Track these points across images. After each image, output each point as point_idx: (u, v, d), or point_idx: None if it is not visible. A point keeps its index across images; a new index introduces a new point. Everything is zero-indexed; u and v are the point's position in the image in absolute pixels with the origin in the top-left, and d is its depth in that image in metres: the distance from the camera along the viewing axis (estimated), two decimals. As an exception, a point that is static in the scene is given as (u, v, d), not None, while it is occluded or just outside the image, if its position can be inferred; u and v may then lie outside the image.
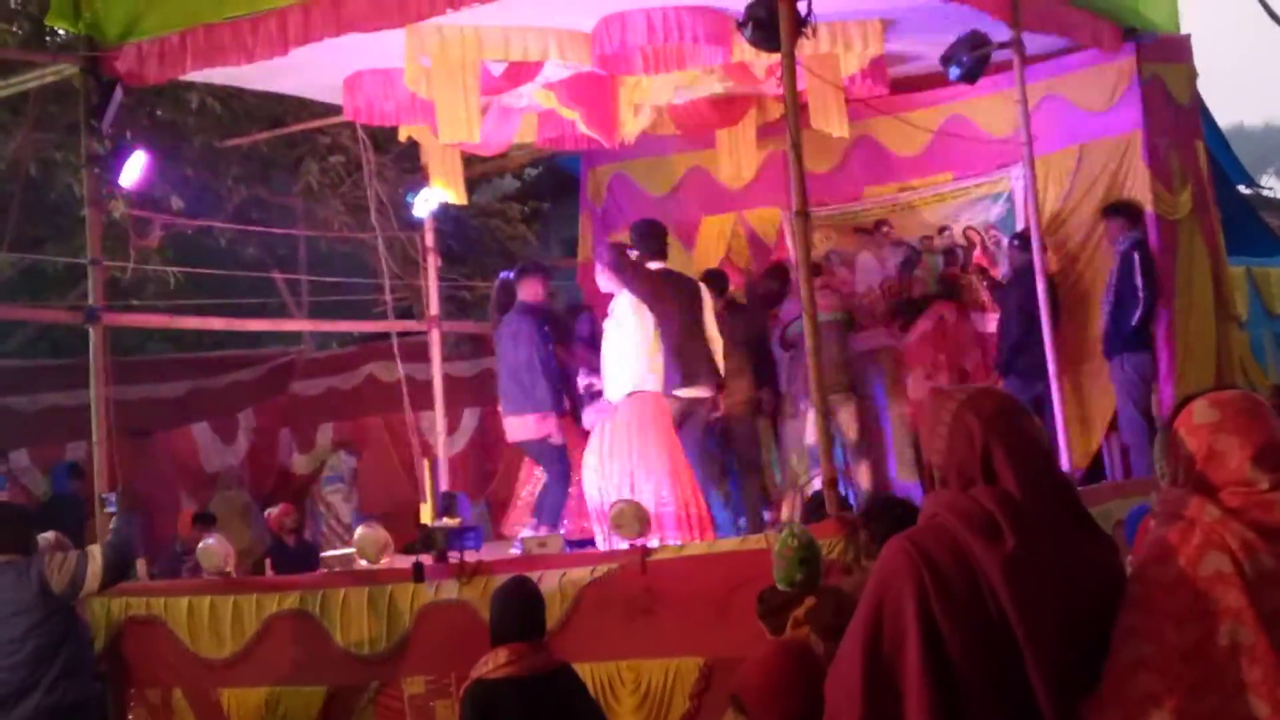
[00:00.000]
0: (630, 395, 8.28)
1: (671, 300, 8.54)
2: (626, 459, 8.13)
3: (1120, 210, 9.36)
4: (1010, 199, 10.25)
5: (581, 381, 9.29)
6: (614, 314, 8.50)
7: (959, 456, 2.88)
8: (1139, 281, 9.16)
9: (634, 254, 8.63)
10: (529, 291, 9.29)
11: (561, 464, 9.08)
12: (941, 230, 10.67)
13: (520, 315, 9.17)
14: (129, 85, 8.36)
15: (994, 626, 2.73)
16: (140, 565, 8.05)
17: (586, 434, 9.14)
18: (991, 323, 10.16)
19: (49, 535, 7.19)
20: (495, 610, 5.47)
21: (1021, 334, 9.24)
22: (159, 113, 12.81)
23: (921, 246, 10.68)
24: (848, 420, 9.99)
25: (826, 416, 6.85)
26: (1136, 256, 9.20)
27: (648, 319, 8.37)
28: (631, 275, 8.41)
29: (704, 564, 6.61)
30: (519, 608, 5.46)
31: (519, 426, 9.09)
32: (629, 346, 8.35)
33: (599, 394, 8.77)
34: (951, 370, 10.05)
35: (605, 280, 8.57)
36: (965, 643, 2.72)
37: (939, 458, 2.94)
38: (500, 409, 9.30)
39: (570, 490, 9.20)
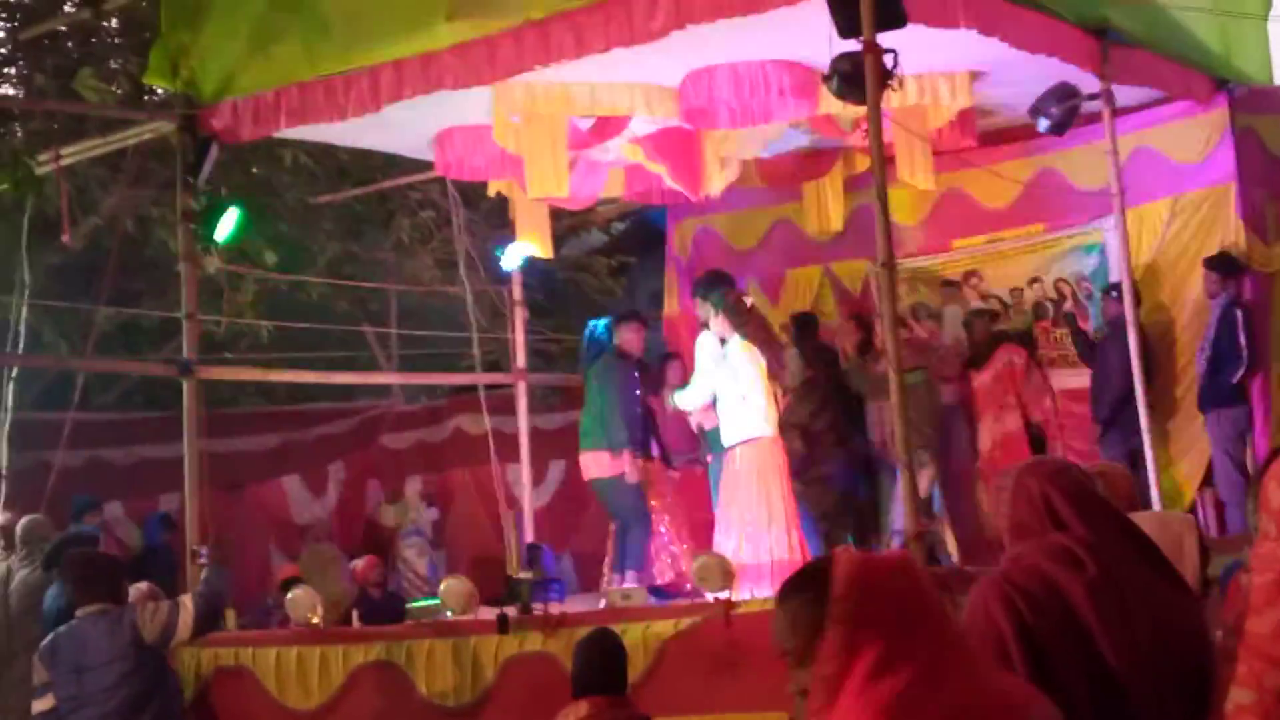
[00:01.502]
0: (746, 442, 8.31)
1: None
2: (746, 507, 8.16)
3: (1218, 263, 9.23)
4: (1103, 251, 10.14)
5: (692, 420, 9.24)
6: (726, 359, 8.52)
7: (1022, 516, 2.95)
8: (1241, 339, 9.03)
9: (749, 300, 8.74)
10: (626, 338, 9.34)
11: (635, 504, 9.07)
12: (1032, 282, 10.57)
13: (610, 359, 9.24)
14: (224, 142, 8.52)
15: (1088, 649, 2.78)
16: (229, 616, 8.14)
17: (673, 481, 9.19)
18: (1071, 378, 10.04)
19: (141, 585, 7.29)
20: (577, 662, 5.46)
21: (1123, 387, 9.12)
22: (254, 169, 13.04)
23: (1011, 299, 10.59)
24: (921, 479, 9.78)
25: (911, 472, 6.78)
26: (1239, 314, 9.07)
27: (759, 364, 8.40)
28: (746, 320, 8.47)
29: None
30: (600, 660, 5.43)
31: (594, 463, 9.11)
32: (742, 392, 8.38)
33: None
34: (1021, 414, 9.93)
35: (718, 324, 8.61)
36: (1064, 665, 2.74)
37: (1005, 522, 2.99)
38: (579, 446, 9.34)
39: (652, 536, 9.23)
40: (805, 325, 10.13)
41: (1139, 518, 4.41)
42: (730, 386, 8.49)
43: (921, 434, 9.02)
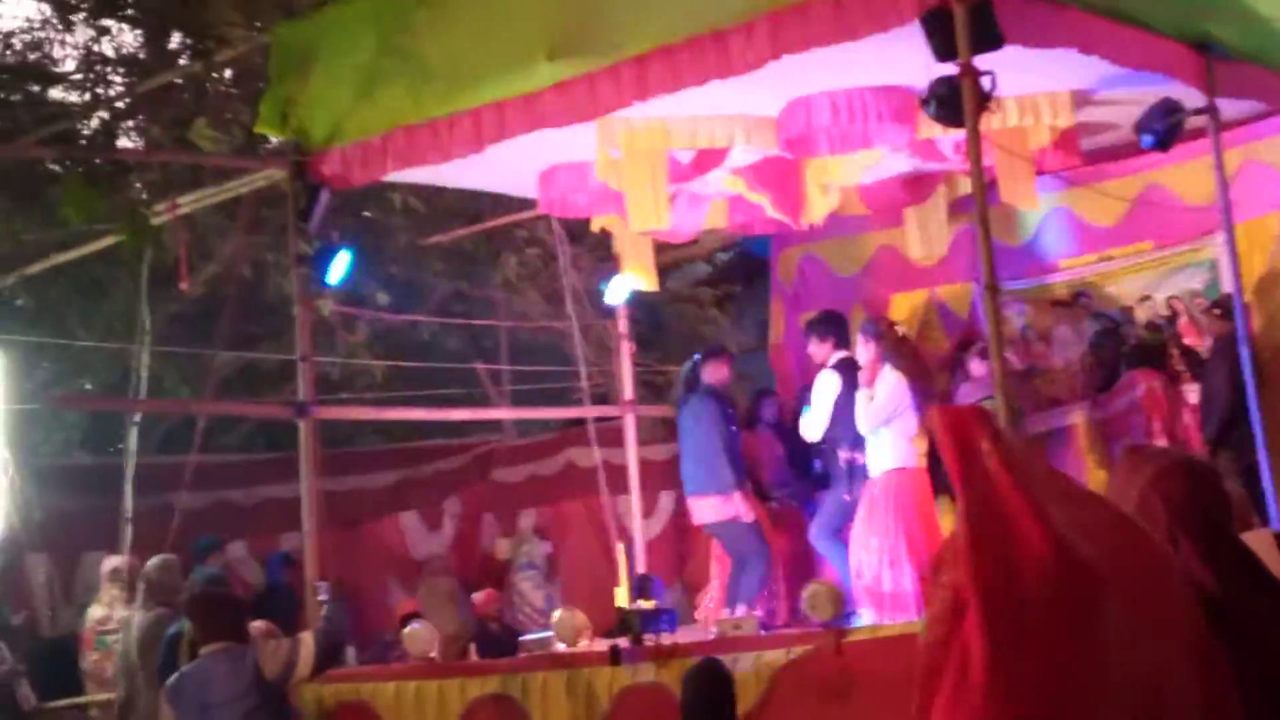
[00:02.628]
0: (890, 471, 8.33)
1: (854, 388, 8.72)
2: (885, 535, 8.19)
3: None
4: (1214, 267, 10.00)
5: (843, 456, 9.12)
6: (875, 390, 8.54)
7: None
8: None
9: (900, 329, 8.73)
10: (713, 374, 9.37)
11: (756, 540, 9.06)
12: (1143, 300, 10.45)
13: (703, 397, 9.25)
14: (335, 188, 8.71)
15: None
16: (349, 652, 8.27)
17: (770, 515, 9.18)
18: (1192, 394, 9.89)
19: (260, 624, 7.45)
20: (686, 692, 5.50)
21: (1232, 405, 8.97)
22: (364, 212, 13.29)
23: (1123, 318, 10.47)
24: None
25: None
26: None
27: (906, 394, 8.40)
28: (894, 349, 8.48)
29: (900, 645, 6.52)
30: (709, 690, 5.47)
31: (705, 508, 9.12)
32: (892, 423, 8.41)
33: (861, 468, 8.79)
34: (1168, 439, 9.79)
35: (865, 353, 8.65)
36: None
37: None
38: (685, 492, 9.36)
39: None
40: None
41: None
42: (881, 419, 8.48)
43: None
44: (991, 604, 2.41)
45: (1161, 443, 9.70)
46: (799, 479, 10.17)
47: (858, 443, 8.69)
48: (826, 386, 8.93)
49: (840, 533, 8.80)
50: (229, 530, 12.44)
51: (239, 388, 14.36)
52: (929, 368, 8.82)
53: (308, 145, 8.65)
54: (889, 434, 8.40)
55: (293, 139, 8.71)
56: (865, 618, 8.00)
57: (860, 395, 8.55)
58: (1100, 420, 10.17)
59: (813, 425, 8.96)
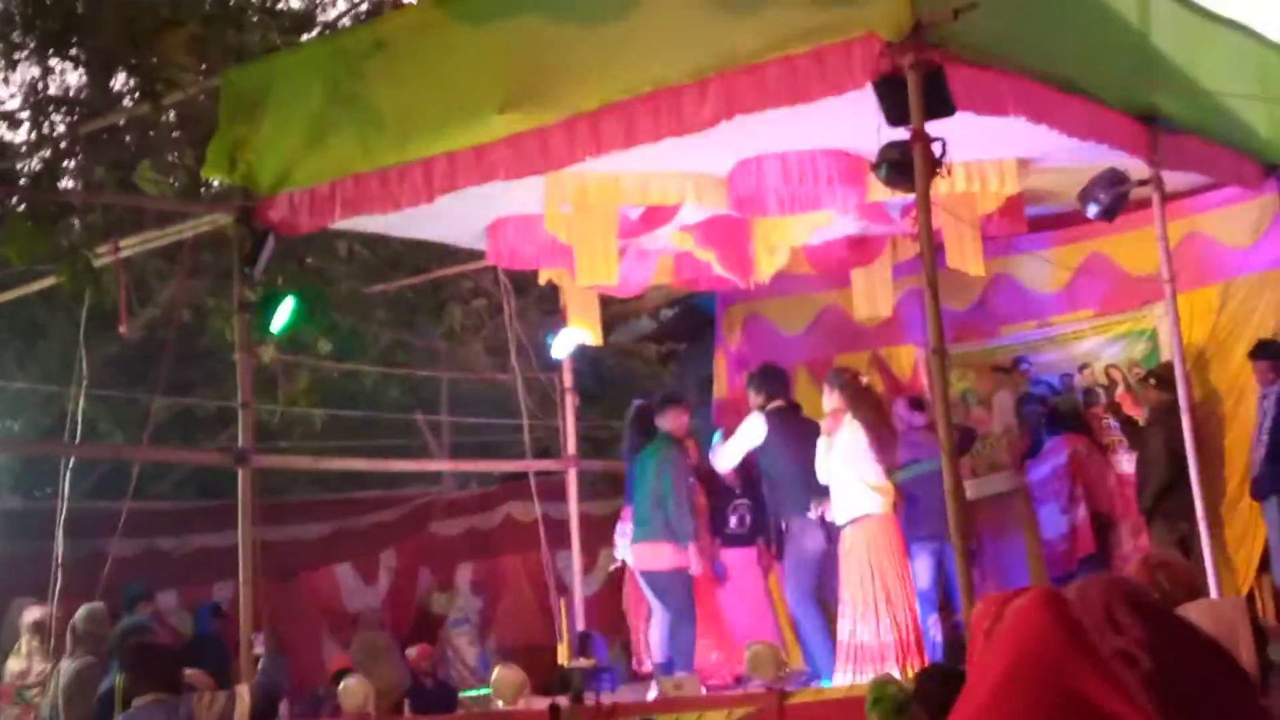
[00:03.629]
0: (856, 521, 8.34)
1: (793, 438, 8.87)
2: (858, 588, 8.18)
3: (1265, 352, 9.16)
4: (1154, 336, 10.11)
5: (814, 513, 9.05)
6: (836, 438, 8.60)
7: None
8: None
9: (866, 380, 8.81)
10: (671, 422, 9.37)
11: (687, 600, 9.04)
12: (1082, 368, 10.54)
13: (664, 444, 9.26)
14: (281, 234, 8.64)
15: None
16: (282, 706, 8.13)
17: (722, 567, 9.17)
18: (1124, 463, 9.98)
19: (192, 673, 7.31)
20: (631, 753, 5.44)
21: (1169, 474, 9.05)
22: (309, 260, 13.21)
23: (1062, 385, 10.54)
24: (922, 569, 9.39)
25: (967, 559, 6.73)
26: None
27: (868, 443, 8.44)
28: (857, 398, 8.51)
29: (843, 707, 6.51)
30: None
31: (657, 555, 9.07)
32: (853, 470, 8.41)
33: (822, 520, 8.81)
34: (1089, 506, 9.85)
35: (832, 400, 8.69)
36: None
37: None
38: (626, 536, 9.29)
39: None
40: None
41: (1189, 608, 4.36)
42: (843, 466, 8.50)
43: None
44: None
45: (1083, 507, 9.78)
46: (713, 534, 10.16)
47: (823, 492, 8.74)
48: (750, 426, 9.10)
49: (815, 590, 8.77)
50: (161, 579, 12.27)
51: (174, 433, 14.19)
52: (890, 421, 8.88)
53: (255, 190, 8.57)
54: (852, 482, 8.42)
55: (240, 184, 8.63)
56: (840, 677, 7.96)
57: (821, 444, 8.59)
58: (1029, 485, 10.24)
59: (724, 457, 9.00)
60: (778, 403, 9.22)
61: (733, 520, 9.90)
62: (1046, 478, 10.07)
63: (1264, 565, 9.21)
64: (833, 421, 8.62)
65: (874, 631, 8.05)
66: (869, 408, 8.57)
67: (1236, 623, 4.65)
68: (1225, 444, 9.48)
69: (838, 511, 8.50)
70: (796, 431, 9.10)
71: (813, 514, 8.84)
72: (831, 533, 8.72)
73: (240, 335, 8.89)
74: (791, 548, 8.92)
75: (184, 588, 12.83)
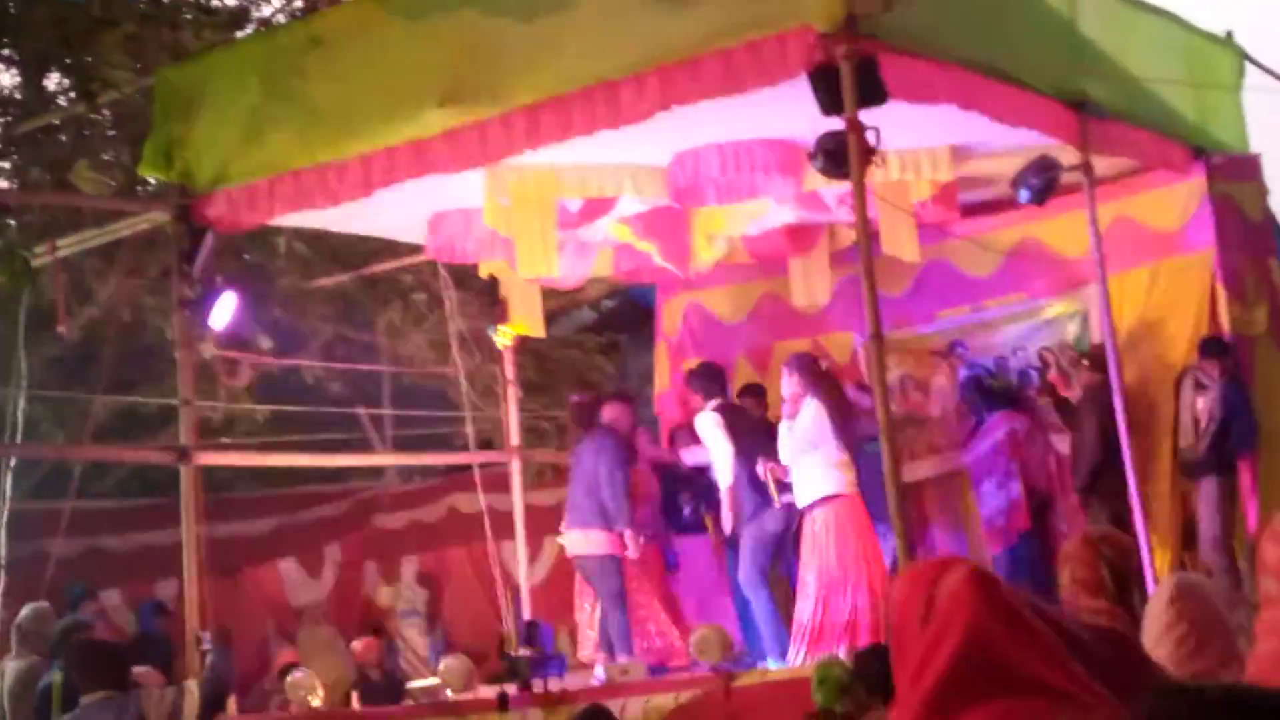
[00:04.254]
0: (823, 501, 8.42)
1: (739, 433, 8.95)
2: (824, 569, 8.28)
3: (1211, 349, 9.31)
4: (1085, 319, 10.26)
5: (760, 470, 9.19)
6: (796, 421, 8.69)
7: None
8: (1237, 409, 9.11)
9: (825, 364, 8.86)
10: (614, 415, 9.45)
11: (619, 586, 9.13)
12: (1016, 351, 10.67)
13: (604, 434, 9.33)
14: (220, 231, 8.62)
15: None
16: (230, 702, 8.14)
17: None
18: (1062, 444, 10.13)
19: (140, 670, 7.32)
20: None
21: (1103, 454, 9.20)
22: (248, 256, 13.17)
23: (997, 368, 10.69)
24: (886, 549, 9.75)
25: (909, 543, 6.85)
26: (1238, 388, 9.17)
27: (828, 423, 8.53)
28: (816, 381, 8.60)
29: (788, 689, 6.61)
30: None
31: (588, 541, 9.15)
32: (819, 451, 8.51)
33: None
34: (1025, 484, 9.99)
35: (792, 385, 8.80)
36: None
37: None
38: (565, 524, 9.38)
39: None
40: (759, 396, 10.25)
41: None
42: (805, 448, 8.60)
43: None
44: None
45: (1018, 484, 9.90)
46: (666, 522, 10.27)
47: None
48: (710, 426, 9.09)
49: (767, 571, 8.86)
50: (104, 577, 12.20)
51: (116, 432, 14.10)
52: (850, 404, 8.97)
53: (193, 188, 8.55)
54: (815, 462, 8.53)
55: (178, 181, 8.61)
56: (796, 658, 8.03)
57: (782, 426, 8.71)
58: (969, 464, 10.37)
59: (721, 469, 9.03)
60: (717, 400, 9.30)
61: (686, 509, 10.08)
62: (985, 454, 10.19)
63: (1188, 544, 9.38)
64: (792, 406, 8.74)
65: (836, 611, 8.15)
66: (829, 390, 8.67)
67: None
68: (1154, 424, 9.64)
69: (801, 494, 8.60)
70: (741, 427, 9.21)
71: (760, 471, 8.95)
72: (790, 516, 8.83)
73: (180, 332, 8.87)
74: (751, 529, 8.99)
75: (127, 586, 12.76)
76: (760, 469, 8.93)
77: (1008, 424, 10.11)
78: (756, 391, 10.21)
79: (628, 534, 8.98)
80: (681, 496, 10.17)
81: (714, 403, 9.24)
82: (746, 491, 8.96)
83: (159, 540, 11.50)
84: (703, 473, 9.85)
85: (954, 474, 10.47)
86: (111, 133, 12.89)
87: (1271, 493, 9.09)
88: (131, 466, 14.36)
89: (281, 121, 8.26)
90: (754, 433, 9.07)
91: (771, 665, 8.07)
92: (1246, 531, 8.92)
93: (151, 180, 10.90)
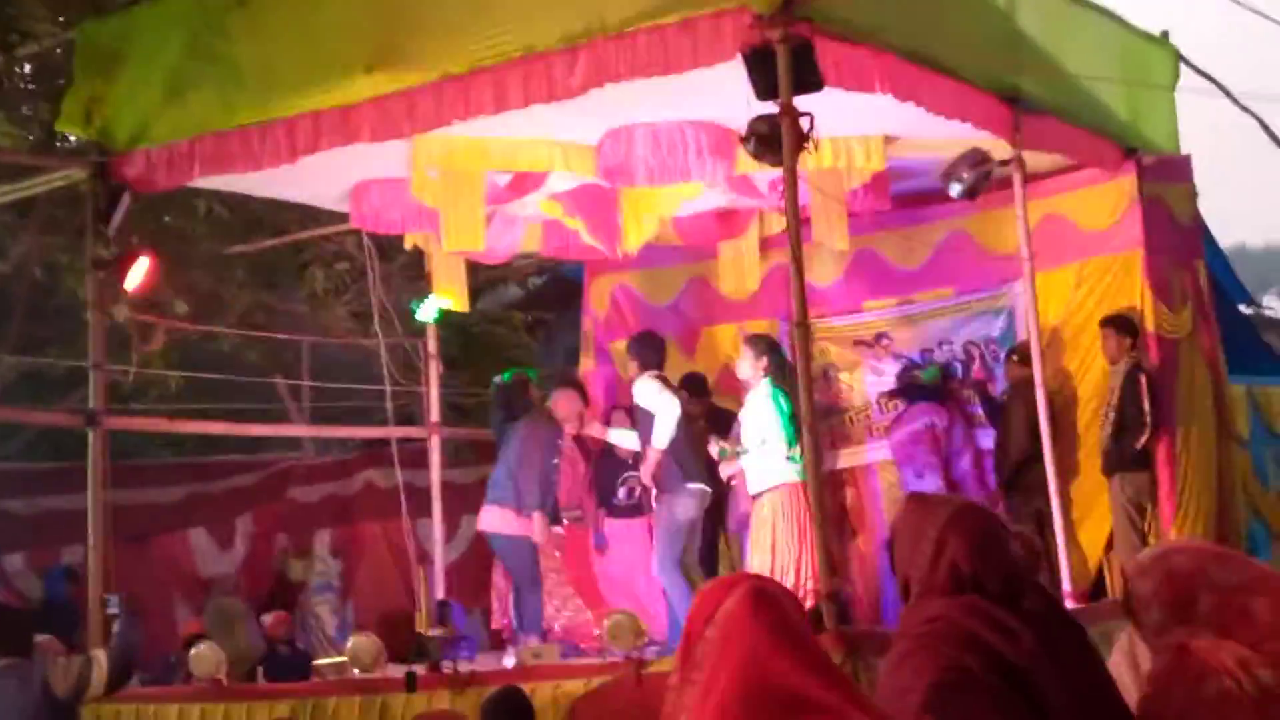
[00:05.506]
0: (772, 490, 8.39)
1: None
2: (768, 554, 8.23)
3: (1118, 324, 9.35)
4: (1011, 314, 10.27)
5: (724, 471, 9.19)
6: (750, 405, 8.64)
7: (942, 578, 2.90)
8: (1145, 405, 9.14)
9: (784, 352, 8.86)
10: (559, 404, 9.39)
11: (531, 567, 9.04)
12: (941, 344, 10.68)
13: (543, 422, 9.25)
14: (137, 191, 8.43)
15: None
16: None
17: (559, 539, 9.19)
18: (984, 438, 10.15)
19: (43, 639, 7.14)
20: (485, 721, 5.41)
21: (1026, 449, 9.21)
22: (166, 218, 12.90)
23: (922, 360, 10.69)
24: None
25: (825, 529, 6.81)
26: (1142, 379, 9.19)
27: (778, 411, 8.45)
28: (779, 369, 8.52)
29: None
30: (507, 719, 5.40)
31: (500, 519, 9.03)
32: (766, 439, 8.44)
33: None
34: (942, 475, 10.01)
35: (747, 368, 8.76)
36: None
37: (919, 573, 2.95)
38: (486, 500, 9.28)
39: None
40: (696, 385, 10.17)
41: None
42: (755, 434, 8.54)
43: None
44: None
45: (937, 476, 9.93)
46: (598, 502, 10.21)
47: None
48: (652, 387, 8.89)
49: (680, 558, 8.79)
50: (7, 541, 11.97)
51: (23, 393, 13.81)
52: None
53: (111, 146, 8.36)
54: (766, 452, 8.47)
55: (96, 139, 8.41)
56: None
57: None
58: (891, 449, 10.38)
59: (662, 428, 8.82)
60: (653, 371, 9.13)
61: (621, 492, 10.06)
62: (903, 442, 10.21)
63: (1111, 543, 9.41)
64: (752, 387, 8.71)
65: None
66: (784, 378, 8.60)
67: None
68: (1077, 421, 9.68)
69: (753, 479, 8.57)
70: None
71: (712, 449, 8.93)
72: (701, 503, 8.77)
73: (93, 294, 8.67)
74: (662, 515, 8.91)
75: (32, 550, 12.52)
76: (712, 447, 8.90)
77: (927, 416, 10.12)
78: (698, 385, 10.12)
79: (536, 517, 8.89)
80: (618, 480, 10.10)
81: (652, 372, 9.09)
82: (671, 466, 8.87)
83: (66, 505, 11.27)
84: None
85: (874, 464, 10.48)
86: (30, 87, 12.58)
87: (1188, 494, 9.16)
88: (40, 429, 14.07)
89: (204, 81, 8.08)
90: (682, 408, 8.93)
91: None
92: (1161, 535, 8.96)
93: (70, 137, 10.64)
